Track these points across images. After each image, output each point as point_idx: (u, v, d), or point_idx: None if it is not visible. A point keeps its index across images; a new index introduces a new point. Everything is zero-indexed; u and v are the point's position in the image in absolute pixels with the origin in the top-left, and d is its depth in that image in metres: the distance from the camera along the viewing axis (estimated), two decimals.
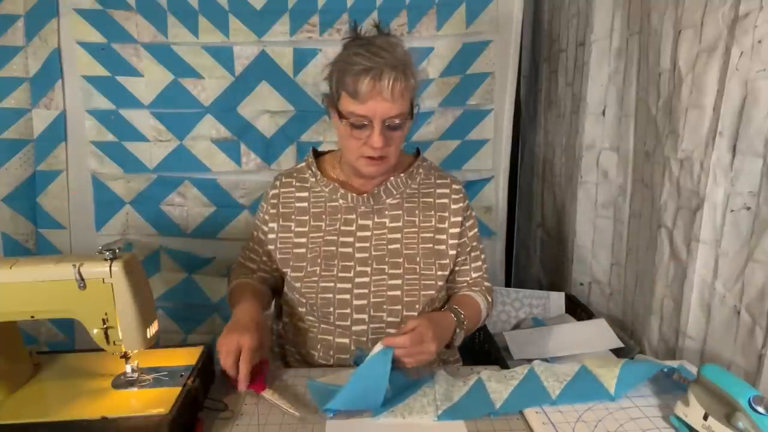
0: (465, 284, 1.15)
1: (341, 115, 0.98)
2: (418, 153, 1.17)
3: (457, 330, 1.00)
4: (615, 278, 1.41)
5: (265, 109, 1.68)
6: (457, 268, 1.13)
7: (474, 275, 1.15)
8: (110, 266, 0.76)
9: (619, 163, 1.37)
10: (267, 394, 0.85)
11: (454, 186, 1.13)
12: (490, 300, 1.15)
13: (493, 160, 1.76)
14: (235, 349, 0.85)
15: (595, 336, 1.26)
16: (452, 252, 1.09)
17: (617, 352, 1.21)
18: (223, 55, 1.64)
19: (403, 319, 1.02)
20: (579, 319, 1.42)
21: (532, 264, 1.95)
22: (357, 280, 1.04)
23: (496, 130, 1.74)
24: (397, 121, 0.96)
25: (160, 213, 1.71)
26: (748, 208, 0.91)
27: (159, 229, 1.72)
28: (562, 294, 1.51)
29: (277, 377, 0.95)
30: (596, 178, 1.44)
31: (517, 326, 1.46)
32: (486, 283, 1.17)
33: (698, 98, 0.98)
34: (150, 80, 1.64)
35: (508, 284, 1.95)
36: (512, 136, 1.77)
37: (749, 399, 0.69)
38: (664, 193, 1.10)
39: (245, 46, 1.64)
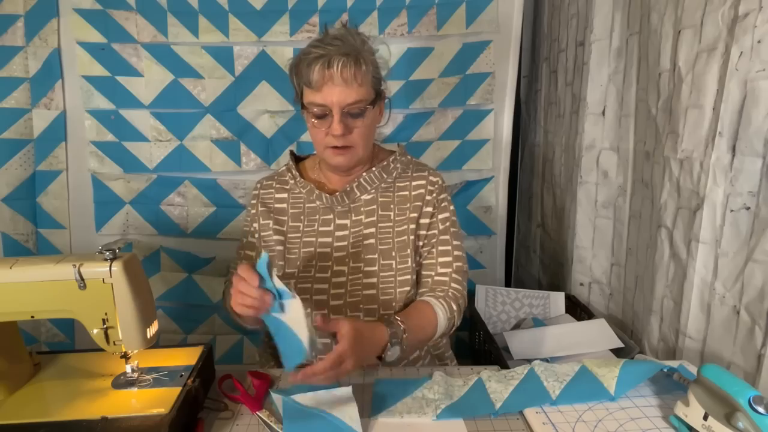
0: (429, 280, 1.05)
1: (304, 107, 1.00)
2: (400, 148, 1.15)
3: (390, 345, 0.88)
4: (615, 278, 1.41)
5: (265, 109, 1.68)
6: (423, 262, 1.06)
7: (440, 271, 1.04)
8: (110, 266, 0.76)
9: (619, 163, 1.37)
10: (263, 414, 0.82)
11: (431, 178, 1.10)
12: (455, 307, 1.01)
13: (493, 160, 1.76)
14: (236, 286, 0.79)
15: (595, 336, 1.26)
16: (420, 243, 1.07)
17: (617, 352, 1.21)
18: (223, 55, 1.64)
19: (379, 319, 1.00)
20: (579, 319, 1.42)
21: (532, 264, 1.95)
22: (334, 280, 1.04)
23: (496, 130, 1.74)
24: (356, 108, 0.96)
25: (160, 213, 1.72)
26: (748, 208, 0.91)
27: (159, 229, 1.72)
28: (562, 294, 1.51)
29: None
30: (596, 178, 1.44)
31: (517, 326, 1.46)
32: (455, 285, 1.04)
33: (698, 98, 0.98)
34: (150, 80, 1.64)
35: (508, 284, 1.95)
36: (512, 136, 1.77)
37: (749, 399, 0.69)
38: (664, 193, 1.10)
39: (245, 46, 1.64)
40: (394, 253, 1.05)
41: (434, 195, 1.08)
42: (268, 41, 1.64)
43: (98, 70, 1.62)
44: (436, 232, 1.07)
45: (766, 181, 0.87)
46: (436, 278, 1.05)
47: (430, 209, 1.07)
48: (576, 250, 1.53)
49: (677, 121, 1.04)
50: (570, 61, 1.56)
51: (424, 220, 1.07)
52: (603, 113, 1.40)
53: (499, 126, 1.75)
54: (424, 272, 1.07)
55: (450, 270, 1.05)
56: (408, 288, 1.03)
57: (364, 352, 0.84)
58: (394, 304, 1.02)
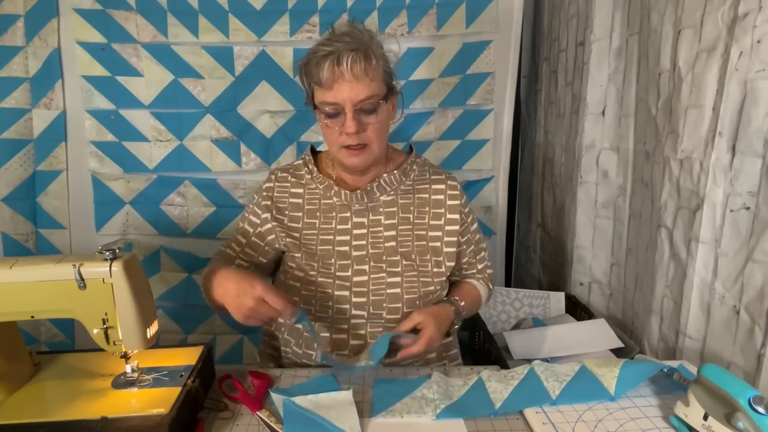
0: (472, 276, 1.20)
1: (316, 108, 0.99)
2: (411, 150, 1.16)
3: (455, 321, 1.06)
4: (615, 278, 1.41)
5: (265, 109, 1.68)
6: (465, 263, 1.16)
7: (480, 267, 1.20)
8: (110, 266, 0.76)
9: (619, 163, 1.37)
10: (263, 414, 0.82)
11: (450, 182, 1.12)
12: (491, 287, 1.22)
13: (493, 160, 1.76)
14: (253, 304, 0.85)
15: (595, 336, 1.26)
16: (449, 249, 1.08)
17: (617, 352, 1.21)
18: (223, 55, 1.64)
19: (402, 316, 1.02)
20: (579, 319, 1.42)
21: (532, 264, 1.95)
22: (355, 279, 1.04)
23: (496, 130, 1.74)
24: (369, 104, 0.96)
25: (160, 213, 1.72)
26: (748, 208, 0.91)
27: (159, 229, 1.72)
28: (562, 294, 1.51)
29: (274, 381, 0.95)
30: (596, 178, 1.44)
31: (517, 326, 1.46)
32: (489, 271, 1.22)
33: (698, 98, 0.98)
34: (150, 80, 1.64)
35: (508, 284, 1.95)
36: (512, 136, 1.77)
37: (749, 399, 0.69)
38: (664, 193, 1.10)
39: (245, 46, 1.64)
40: (414, 256, 1.06)
41: (457, 201, 1.11)
42: (268, 41, 1.64)
43: (98, 70, 1.62)
44: (470, 236, 1.16)
45: (766, 181, 0.87)
46: (478, 273, 1.20)
47: (456, 216, 1.09)
48: (576, 250, 1.53)
49: (677, 121, 1.04)
50: (570, 61, 1.56)
51: (451, 227, 1.09)
52: (603, 113, 1.40)
53: (499, 126, 1.74)
54: (467, 271, 1.19)
55: (486, 263, 1.22)
56: (431, 287, 1.05)
57: (443, 326, 1.01)
58: (417, 302, 1.03)
